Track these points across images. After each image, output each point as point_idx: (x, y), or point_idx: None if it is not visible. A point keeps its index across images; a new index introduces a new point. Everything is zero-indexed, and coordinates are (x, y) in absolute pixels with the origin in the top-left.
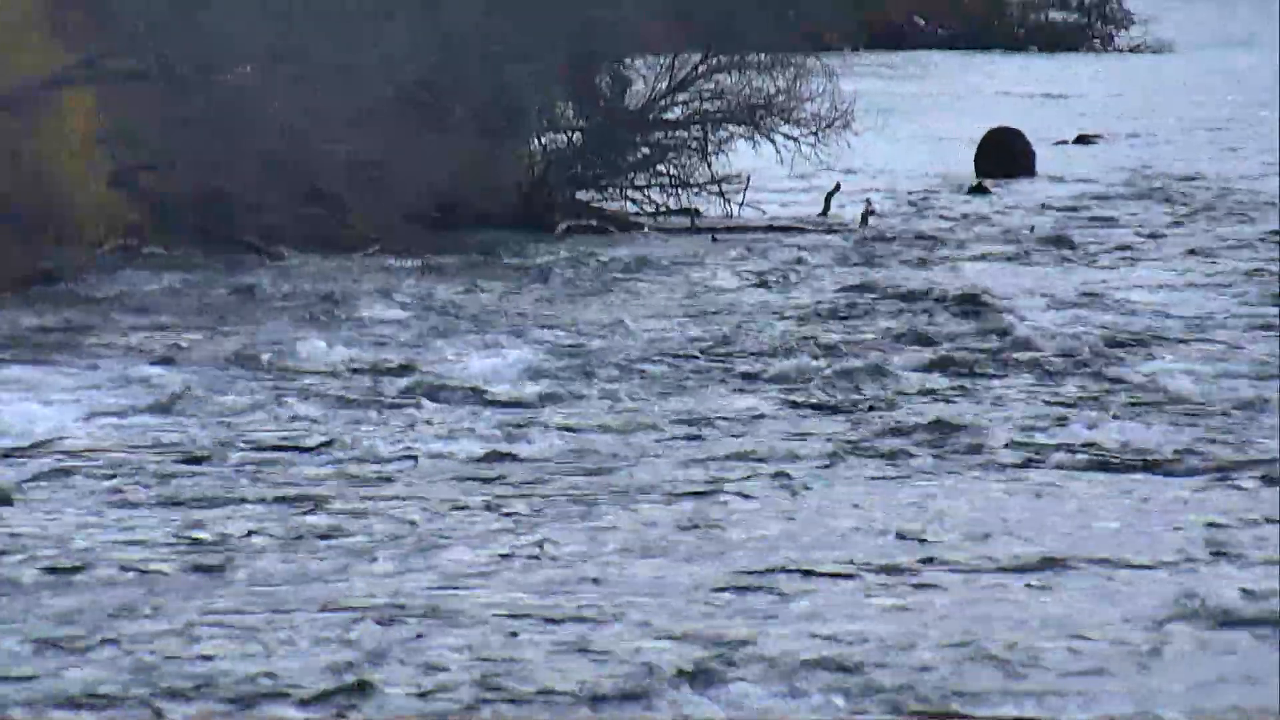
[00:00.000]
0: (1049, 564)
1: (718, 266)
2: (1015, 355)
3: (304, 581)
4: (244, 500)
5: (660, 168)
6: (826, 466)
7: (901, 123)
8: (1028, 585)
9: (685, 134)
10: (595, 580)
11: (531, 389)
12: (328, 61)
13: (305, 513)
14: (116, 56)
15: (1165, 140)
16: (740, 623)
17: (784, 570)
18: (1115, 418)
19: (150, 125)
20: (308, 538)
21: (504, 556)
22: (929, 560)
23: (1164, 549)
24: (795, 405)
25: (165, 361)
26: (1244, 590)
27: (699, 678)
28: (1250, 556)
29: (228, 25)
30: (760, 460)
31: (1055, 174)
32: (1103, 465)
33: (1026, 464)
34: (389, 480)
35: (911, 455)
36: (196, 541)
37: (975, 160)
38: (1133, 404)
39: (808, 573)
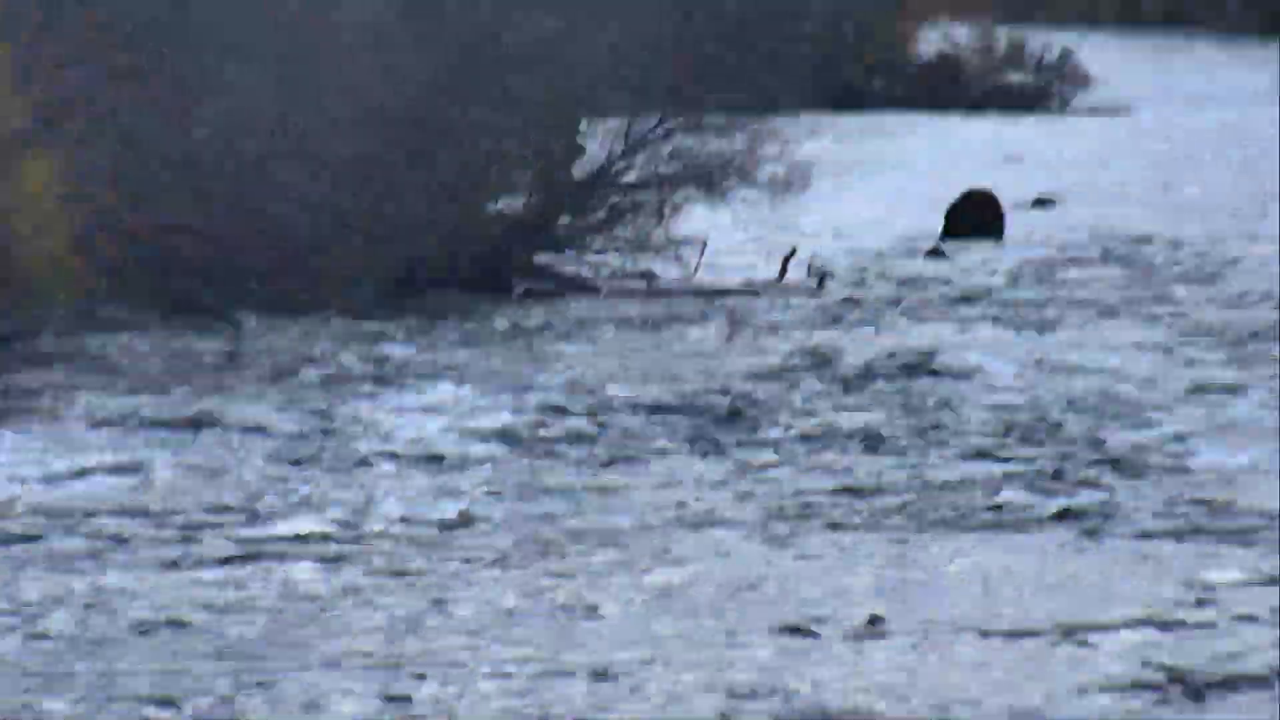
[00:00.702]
0: (1017, 626)
1: (675, 329)
2: (973, 417)
3: (285, 644)
4: (212, 562)
5: (617, 231)
6: (786, 526)
7: (859, 185)
8: (992, 649)
9: (642, 197)
10: (589, 638)
11: (492, 450)
12: (288, 126)
13: (276, 574)
14: (74, 118)
15: (1123, 202)
16: (751, 675)
17: (768, 628)
18: (1072, 480)
19: (110, 186)
20: (285, 598)
21: (485, 613)
22: (879, 620)
23: (1134, 610)
24: (754, 466)
25: (122, 423)
26: (1216, 654)
27: None
28: (1218, 617)
29: (185, 87)
30: (723, 521)
31: (1015, 236)
32: (1060, 527)
33: (987, 526)
34: (359, 541)
35: (874, 516)
36: (167, 603)
37: (945, 221)
38: (1089, 465)
39: (792, 630)
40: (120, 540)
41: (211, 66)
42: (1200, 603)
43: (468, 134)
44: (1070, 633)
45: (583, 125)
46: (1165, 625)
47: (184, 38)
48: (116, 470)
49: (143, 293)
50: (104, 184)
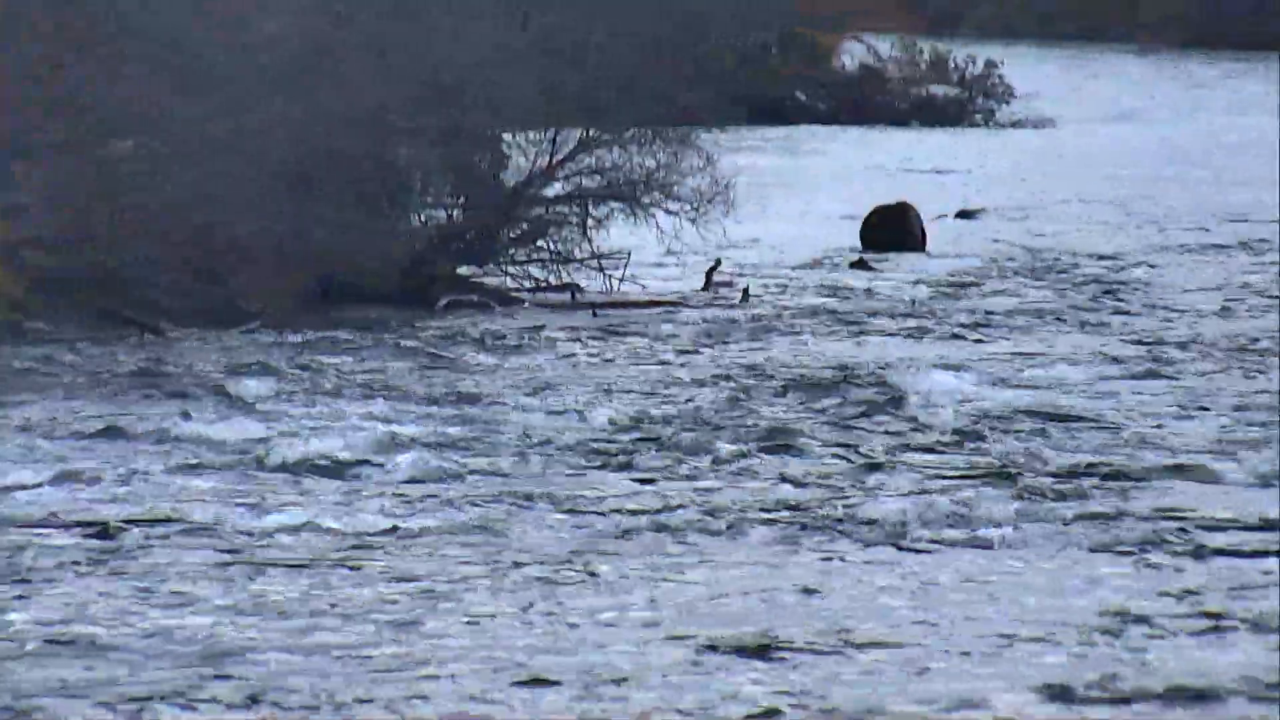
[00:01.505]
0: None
1: (599, 342)
2: (897, 429)
3: (212, 653)
4: (136, 571)
5: (541, 243)
6: (719, 538)
7: (784, 198)
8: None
9: (565, 210)
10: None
11: (413, 463)
12: (213, 137)
13: (201, 583)
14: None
15: (1046, 215)
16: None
17: (685, 638)
18: (998, 493)
19: (35, 200)
20: (210, 606)
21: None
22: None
23: (1053, 626)
24: (681, 479)
25: (47, 436)
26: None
27: None
28: (1144, 633)
29: (113, 98)
30: (639, 534)
31: (938, 248)
32: (988, 541)
33: (912, 539)
34: (282, 549)
35: (806, 531)
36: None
37: (862, 234)
38: (1012, 477)
39: (711, 648)
40: (46, 549)
41: (136, 90)
42: (1119, 615)
43: (391, 148)
44: (991, 641)
45: (506, 139)
46: (1083, 638)
47: (110, 64)
48: (42, 481)
49: (67, 307)
50: (29, 200)
